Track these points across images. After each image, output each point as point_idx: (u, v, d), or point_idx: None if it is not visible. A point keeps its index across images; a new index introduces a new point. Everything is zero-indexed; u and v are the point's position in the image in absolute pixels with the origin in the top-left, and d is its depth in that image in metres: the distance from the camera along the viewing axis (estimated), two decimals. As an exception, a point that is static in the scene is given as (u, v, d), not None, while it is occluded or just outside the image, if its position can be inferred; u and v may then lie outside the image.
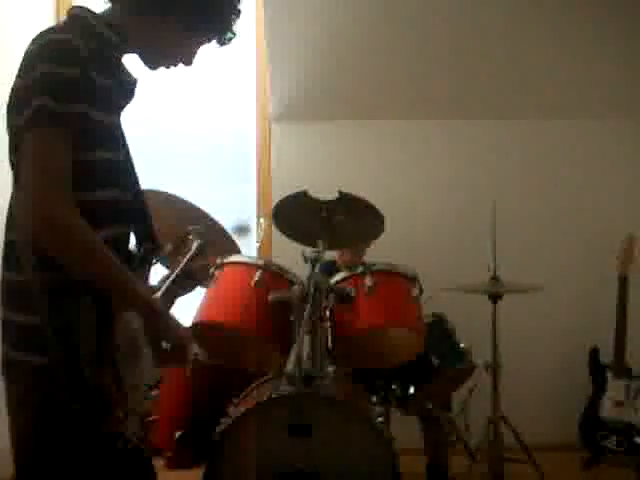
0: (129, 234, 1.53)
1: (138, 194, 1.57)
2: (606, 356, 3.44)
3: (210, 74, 3.94)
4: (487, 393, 3.00)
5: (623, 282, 3.43)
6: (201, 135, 3.95)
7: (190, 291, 1.90)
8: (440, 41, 3.48)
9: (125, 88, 1.54)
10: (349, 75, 3.63)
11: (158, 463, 2.71)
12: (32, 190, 1.33)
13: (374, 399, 2.50)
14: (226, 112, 3.95)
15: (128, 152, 1.55)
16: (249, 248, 3.48)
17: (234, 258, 2.52)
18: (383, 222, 2.58)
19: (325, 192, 2.54)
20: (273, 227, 2.78)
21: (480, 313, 3.06)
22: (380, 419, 2.20)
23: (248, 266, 2.47)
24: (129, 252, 1.54)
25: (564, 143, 3.82)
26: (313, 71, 3.62)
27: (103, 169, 1.44)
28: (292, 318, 2.26)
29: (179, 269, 1.81)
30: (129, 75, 1.55)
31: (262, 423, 2.05)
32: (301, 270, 2.43)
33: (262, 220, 2.89)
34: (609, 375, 3.41)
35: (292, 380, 2.00)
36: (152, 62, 1.58)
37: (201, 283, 1.97)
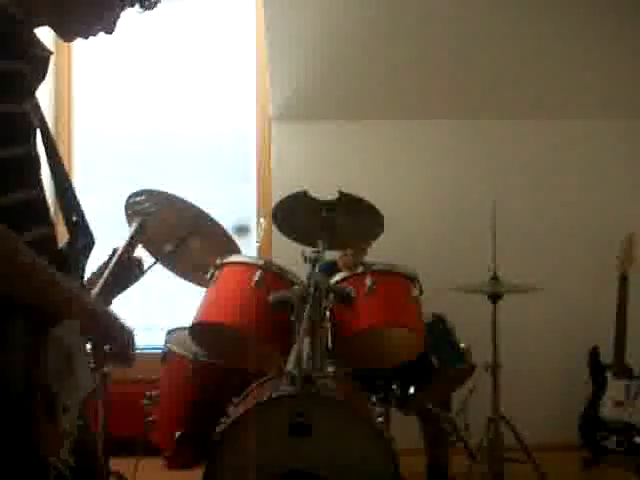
0: (53, 233, 1.37)
1: (63, 188, 1.43)
2: (606, 356, 3.44)
3: (210, 74, 3.95)
4: (487, 393, 3.00)
5: (623, 282, 3.43)
6: (201, 135, 3.95)
7: (135, 279, 1.73)
8: (440, 41, 3.48)
9: (37, 67, 1.36)
10: (349, 75, 3.63)
11: (158, 463, 2.73)
12: None
13: (374, 399, 2.50)
14: (226, 112, 3.95)
15: (51, 146, 1.40)
16: (249, 248, 3.48)
17: (234, 258, 2.52)
18: (383, 222, 2.58)
19: (325, 192, 2.54)
20: (273, 227, 2.78)
21: (480, 313, 3.06)
22: (380, 419, 2.20)
23: (248, 266, 2.47)
24: (59, 252, 1.39)
25: (564, 143, 3.82)
26: (313, 71, 3.62)
27: (12, 167, 1.26)
28: (292, 318, 2.26)
29: (117, 256, 1.67)
30: (42, 50, 1.37)
31: (262, 423, 2.05)
32: (301, 270, 2.43)
33: (262, 220, 2.89)
34: (609, 375, 3.41)
35: (292, 380, 2.01)
36: (65, 32, 1.41)
37: (134, 281, 1.82)
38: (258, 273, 2.41)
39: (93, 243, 1.46)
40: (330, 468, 2.03)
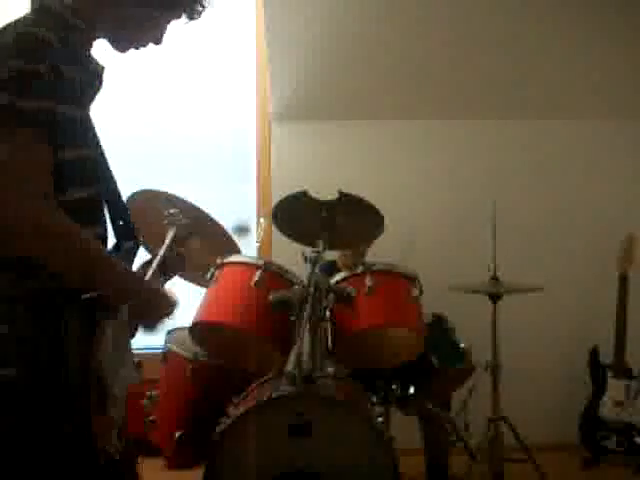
0: (105, 235, 1.47)
1: (114, 191, 1.52)
2: (606, 356, 3.44)
3: (210, 74, 3.94)
4: (487, 393, 3.00)
5: (623, 282, 3.43)
6: (201, 135, 3.95)
7: (167, 280, 1.82)
8: (440, 41, 3.48)
9: (95, 79, 1.47)
10: (349, 75, 3.63)
11: (158, 463, 2.73)
12: (15, 198, 1.24)
13: (374, 399, 2.50)
14: (226, 112, 3.95)
15: (100, 147, 1.49)
16: (249, 248, 3.47)
17: (234, 258, 2.53)
18: (383, 222, 2.58)
19: (325, 192, 2.54)
20: (273, 227, 2.78)
21: (480, 313, 3.06)
22: (380, 419, 2.20)
23: (248, 266, 2.48)
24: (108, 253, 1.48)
25: (564, 143, 3.82)
26: (313, 71, 3.62)
27: (74, 168, 1.37)
28: (292, 318, 2.26)
29: (157, 261, 1.74)
30: (97, 64, 1.49)
31: (262, 423, 2.05)
32: (301, 270, 2.43)
33: (262, 220, 2.89)
34: (609, 375, 3.41)
35: (292, 380, 2.01)
36: (121, 45, 1.52)
37: (178, 273, 1.91)
38: (258, 273, 2.41)
39: (138, 247, 1.53)
40: (330, 468, 2.03)
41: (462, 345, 2.86)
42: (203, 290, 2.54)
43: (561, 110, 3.76)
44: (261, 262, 2.48)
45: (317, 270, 2.30)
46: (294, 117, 3.78)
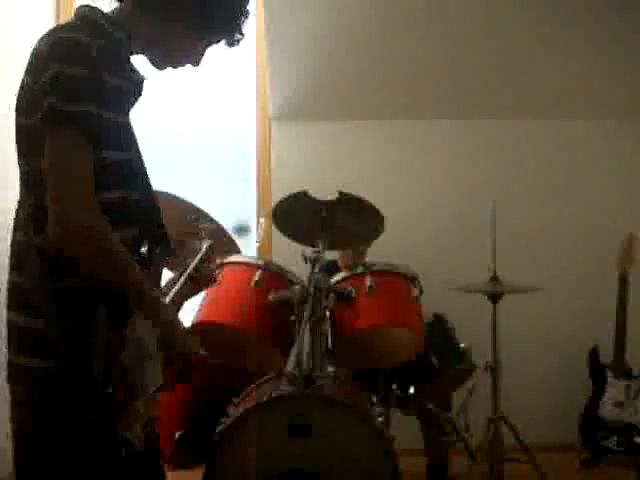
0: (139, 236, 1.50)
1: (149, 195, 1.55)
2: (606, 356, 3.44)
3: (210, 74, 3.94)
4: (487, 393, 3.00)
5: (623, 282, 3.43)
6: (201, 135, 3.95)
7: (197, 294, 1.87)
8: (440, 41, 3.48)
9: (134, 87, 1.52)
10: (349, 75, 3.63)
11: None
12: (63, 197, 1.31)
13: (374, 399, 2.50)
14: (226, 112, 3.95)
15: (139, 152, 1.53)
16: (249, 248, 3.47)
17: (234, 258, 2.52)
18: (383, 222, 2.58)
19: (325, 192, 2.54)
20: (273, 227, 2.78)
21: (480, 313, 3.06)
22: (380, 419, 2.20)
23: (248, 266, 2.47)
24: (140, 255, 1.51)
25: (564, 143, 3.82)
26: (313, 71, 3.62)
27: (113, 170, 1.42)
28: (292, 318, 2.26)
29: (189, 271, 1.78)
30: (138, 74, 1.53)
31: (262, 423, 2.05)
32: (301, 270, 2.43)
33: (262, 220, 2.89)
34: (609, 375, 3.41)
35: (292, 380, 2.01)
36: (159, 63, 1.57)
37: (208, 286, 1.94)
38: (258, 273, 2.41)
39: (172, 251, 1.57)
40: (330, 468, 2.03)
41: (462, 345, 2.86)
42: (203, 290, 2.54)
43: (561, 110, 3.76)
44: (261, 262, 2.48)
45: (317, 270, 2.30)
46: (294, 117, 3.78)
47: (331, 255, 3.09)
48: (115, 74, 1.41)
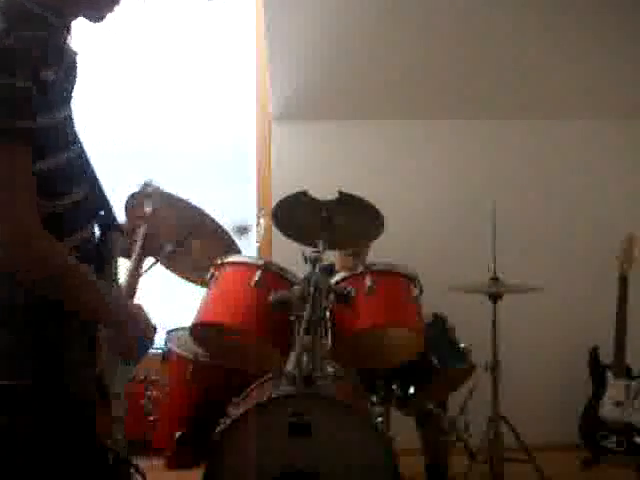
0: (94, 233, 1.47)
1: (95, 184, 1.51)
2: (606, 356, 3.44)
3: (210, 74, 3.94)
4: (487, 393, 3.00)
5: (623, 282, 3.43)
6: (201, 135, 3.95)
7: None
8: (440, 41, 3.48)
9: (72, 70, 1.43)
10: (349, 75, 3.63)
11: (158, 463, 2.73)
12: (10, 220, 1.24)
13: (374, 399, 2.50)
14: (226, 112, 3.95)
15: (79, 143, 1.47)
16: (249, 248, 3.47)
17: (234, 258, 2.52)
18: (383, 222, 2.58)
19: (325, 192, 2.54)
20: (273, 227, 2.78)
21: (480, 313, 3.06)
22: (380, 419, 2.20)
23: (248, 266, 2.47)
24: (97, 248, 1.48)
25: (564, 143, 3.82)
26: (313, 71, 3.62)
27: (58, 176, 1.37)
28: (292, 318, 2.26)
29: (137, 255, 1.78)
30: (71, 54, 1.44)
31: (262, 423, 2.05)
32: (301, 270, 2.43)
33: (262, 220, 2.89)
34: (609, 375, 3.41)
35: (292, 380, 2.01)
36: (97, 15, 1.48)
37: (153, 253, 1.95)
38: (258, 273, 2.41)
39: (122, 233, 1.55)
40: (330, 468, 2.03)
41: (462, 345, 2.86)
42: (203, 290, 2.54)
43: (561, 110, 3.76)
44: (261, 262, 2.48)
45: (317, 270, 2.30)
46: (294, 117, 3.78)
47: (331, 256, 3.09)
48: (53, 67, 1.31)
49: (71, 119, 1.44)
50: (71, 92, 1.44)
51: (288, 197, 2.61)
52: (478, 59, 3.55)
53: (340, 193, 2.51)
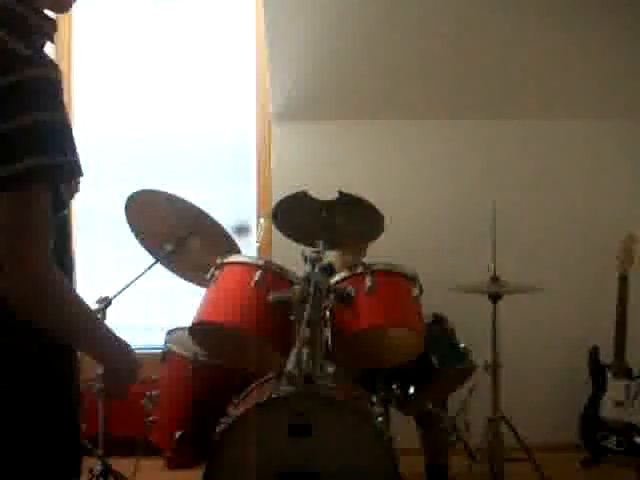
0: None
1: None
2: (606, 356, 3.44)
3: (210, 74, 3.95)
4: (487, 393, 3.00)
5: (623, 282, 3.43)
6: (201, 135, 3.95)
7: None
8: (440, 41, 3.48)
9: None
10: (349, 75, 3.63)
11: (158, 463, 2.73)
12: (20, 256, 1.18)
13: (374, 399, 2.50)
14: (226, 112, 3.95)
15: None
16: (249, 248, 3.47)
17: (234, 258, 2.52)
18: (383, 222, 2.58)
19: (325, 192, 2.54)
20: (273, 227, 2.78)
21: (480, 313, 3.06)
22: (380, 419, 2.20)
23: (248, 266, 2.47)
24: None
25: (564, 143, 3.82)
26: (313, 71, 3.62)
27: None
28: (292, 318, 2.26)
29: None
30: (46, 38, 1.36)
31: (262, 423, 2.05)
32: (301, 270, 2.43)
33: (262, 220, 2.89)
34: (609, 375, 3.41)
35: (292, 380, 2.01)
36: (65, 6, 1.42)
37: None
38: (258, 273, 2.41)
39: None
40: (330, 468, 2.03)
41: (462, 345, 2.86)
42: (203, 290, 2.54)
43: (561, 110, 3.76)
44: (261, 262, 2.48)
45: (317, 270, 2.30)
46: (294, 117, 3.78)
47: (331, 256, 3.09)
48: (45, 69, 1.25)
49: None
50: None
51: (288, 197, 2.61)
52: (478, 59, 3.55)
53: (340, 193, 2.51)
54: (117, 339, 1.40)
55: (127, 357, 1.42)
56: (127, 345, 1.43)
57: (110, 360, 1.40)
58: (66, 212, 1.38)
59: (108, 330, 1.39)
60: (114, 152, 3.91)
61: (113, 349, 1.39)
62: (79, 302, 1.29)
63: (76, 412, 1.38)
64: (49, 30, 1.33)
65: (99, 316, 1.41)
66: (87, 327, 1.33)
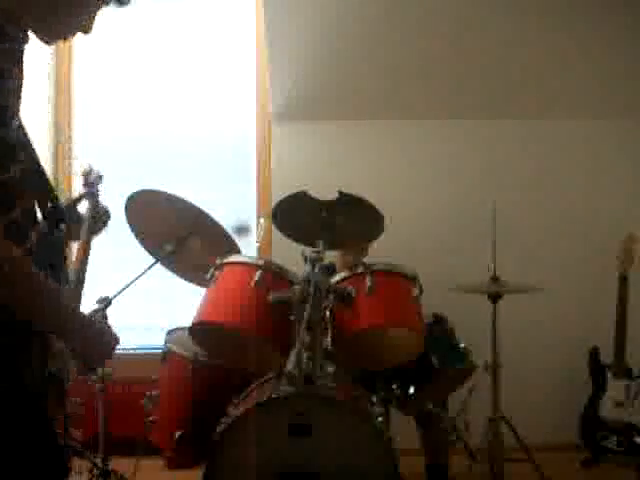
0: (46, 232, 1.44)
1: (40, 179, 1.48)
2: (606, 356, 3.44)
3: (210, 74, 3.95)
4: (487, 393, 3.00)
5: (623, 282, 3.43)
6: (201, 135, 3.95)
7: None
8: (440, 41, 3.48)
9: (22, 77, 1.39)
10: (349, 75, 3.63)
11: (158, 463, 2.73)
12: None
13: (374, 399, 2.50)
14: (226, 112, 3.96)
15: (21, 126, 1.43)
16: (249, 248, 3.47)
17: (234, 258, 2.52)
18: (383, 222, 2.58)
19: (325, 192, 2.54)
20: (273, 227, 2.78)
21: (480, 313, 3.06)
22: (380, 419, 2.20)
23: (248, 266, 2.47)
24: (48, 242, 1.46)
25: (564, 143, 3.82)
26: (313, 71, 3.62)
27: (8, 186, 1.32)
28: (292, 318, 2.26)
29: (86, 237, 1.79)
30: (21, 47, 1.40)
31: (262, 423, 2.05)
32: (301, 270, 2.43)
33: (262, 220, 2.89)
34: (609, 375, 3.41)
35: (292, 380, 2.01)
36: (48, 36, 1.45)
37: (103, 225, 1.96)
38: (258, 273, 2.41)
39: (61, 211, 1.50)
40: (330, 468, 2.03)
41: (462, 345, 2.86)
42: (203, 290, 2.54)
43: (561, 110, 3.76)
44: (261, 262, 2.48)
45: (317, 270, 2.30)
46: (294, 117, 3.78)
47: (331, 257, 3.09)
48: (13, 77, 1.30)
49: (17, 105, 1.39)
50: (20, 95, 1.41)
51: (288, 197, 2.61)
52: (478, 59, 3.55)
53: (340, 193, 2.51)
54: (82, 317, 1.41)
55: (96, 336, 1.42)
56: (94, 323, 1.45)
57: (73, 338, 1.39)
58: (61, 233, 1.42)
59: (72, 309, 1.39)
60: (114, 152, 3.91)
61: (75, 326, 1.39)
62: (35, 279, 1.29)
63: (38, 402, 1.36)
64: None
65: (65, 296, 1.38)
66: (44, 304, 1.32)
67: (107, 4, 1.46)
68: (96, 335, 1.44)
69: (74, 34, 1.46)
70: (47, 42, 1.46)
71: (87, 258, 1.75)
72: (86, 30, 1.46)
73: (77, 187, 2.10)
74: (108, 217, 1.93)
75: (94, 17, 1.46)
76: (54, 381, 1.38)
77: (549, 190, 3.81)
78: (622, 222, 3.65)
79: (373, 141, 3.85)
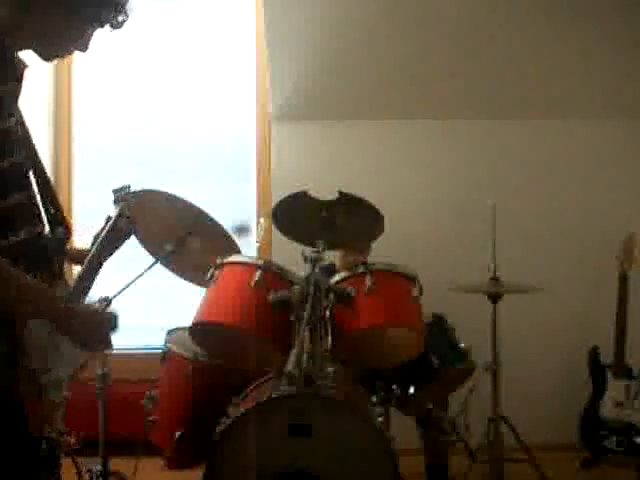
0: (42, 230, 1.51)
1: (44, 183, 1.54)
2: (606, 356, 3.44)
3: (210, 74, 3.95)
4: (487, 393, 3.00)
5: (623, 282, 3.43)
6: (201, 135, 3.95)
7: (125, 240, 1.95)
8: (440, 41, 3.48)
9: (15, 86, 1.48)
10: (349, 75, 3.63)
11: (158, 463, 2.73)
12: None
13: (374, 399, 2.50)
14: (226, 112, 3.96)
15: (31, 148, 1.51)
16: (249, 248, 3.47)
17: (234, 258, 2.52)
18: (383, 222, 2.58)
19: (325, 192, 2.54)
20: (273, 227, 2.78)
21: (480, 313, 3.06)
22: (380, 419, 2.20)
23: (248, 266, 2.47)
24: (44, 247, 1.52)
25: (564, 143, 3.82)
26: (313, 71, 3.62)
27: (3, 179, 1.40)
28: (292, 318, 2.26)
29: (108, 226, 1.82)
30: (21, 65, 1.50)
31: (262, 423, 2.05)
32: (301, 270, 2.43)
33: (262, 220, 2.89)
34: (609, 375, 3.41)
35: (292, 380, 2.00)
36: (45, 54, 1.54)
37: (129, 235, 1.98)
38: (258, 273, 2.41)
39: (69, 233, 1.58)
40: (330, 468, 2.03)
41: (462, 345, 2.86)
42: (203, 290, 2.54)
43: (561, 110, 3.76)
44: (261, 262, 2.48)
45: (317, 270, 2.30)
46: (294, 117, 3.78)
47: (332, 256, 3.09)
48: (2, 82, 1.38)
49: (17, 125, 1.46)
50: (17, 101, 1.48)
51: (288, 197, 2.61)
52: (478, 59, 3.55)
53: (340, 193, 2.51)
54: (66, 305, 1.45)
55: (85, 321, 1.48)
56: (83, 309, 1.52)
57: (60, 325, 1.44)
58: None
59: (51, 299, 1.43)
60: (114, 152, 3.91)
61: (60, 313, 1.44)
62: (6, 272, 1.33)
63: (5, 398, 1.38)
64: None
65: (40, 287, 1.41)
66: (19, 297, 1.36)
67: (102, 27, 1.55)
68: (86, 321, 1.49)
69: (71, 53, 1.56)
70: (46, 60, 1.55)
71: (91, 271, 1.75)
72: (83, 50, 1.56)
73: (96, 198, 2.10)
74: (128, 236, 1.95)
75: (89, 39, 1.56)
76: (28, 378, 1.40)
77: (549, 190, 3.81)
78: (622, 222, 3.65)
79: (373, 141, 3.84)
